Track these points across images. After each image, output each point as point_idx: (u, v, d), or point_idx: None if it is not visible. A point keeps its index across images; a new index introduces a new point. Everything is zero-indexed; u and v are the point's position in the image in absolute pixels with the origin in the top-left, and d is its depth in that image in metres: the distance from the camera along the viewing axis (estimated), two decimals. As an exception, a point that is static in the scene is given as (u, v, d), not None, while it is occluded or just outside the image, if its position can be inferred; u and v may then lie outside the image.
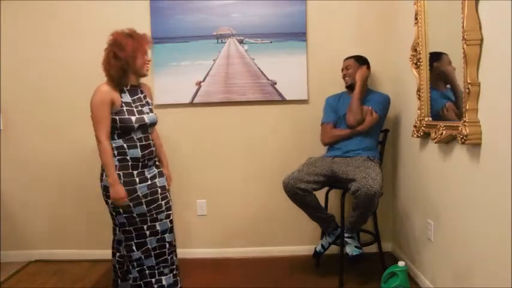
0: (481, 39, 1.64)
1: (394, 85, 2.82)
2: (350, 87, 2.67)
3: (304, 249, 2.94)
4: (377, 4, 2.85)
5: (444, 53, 2.09)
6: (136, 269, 2.06)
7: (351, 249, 2.44)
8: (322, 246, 2.61)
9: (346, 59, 2.71)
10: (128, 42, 1.96)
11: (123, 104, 2.00)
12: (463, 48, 1.67)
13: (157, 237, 2.07)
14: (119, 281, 2.17)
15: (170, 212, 2.15)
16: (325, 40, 2.89)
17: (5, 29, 2.93)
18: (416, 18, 2.27)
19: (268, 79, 2.91)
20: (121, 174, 1.99)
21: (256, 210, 3.02)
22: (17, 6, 2.93)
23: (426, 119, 2.22)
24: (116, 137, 2.01)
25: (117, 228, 2.12)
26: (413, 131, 2.34)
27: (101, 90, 1.98)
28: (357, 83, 2.58)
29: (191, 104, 2.94)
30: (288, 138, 2.96)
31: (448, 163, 2.01)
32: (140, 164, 2.04)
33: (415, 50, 2.29)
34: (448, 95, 2.06)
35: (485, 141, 1.66)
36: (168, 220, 2.12)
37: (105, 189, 2.02)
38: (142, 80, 2.17)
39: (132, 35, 2.00)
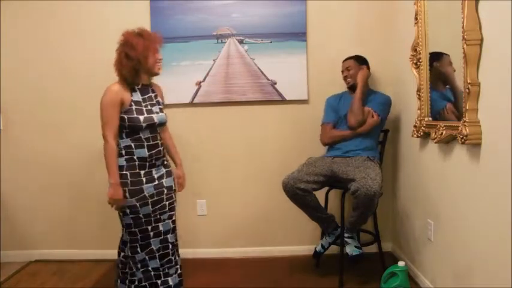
0: (481, 39, 1.64)
1: (394, 85, 2.82)
2: (352, 88, 2.67)
3: (304, 249, 2.94)
4: (377, 4, 2.85)
5: (444, 53, 2.09)
6: (141, 270, 2.07)
7: (351, 249, 2.44)
8: (322, 246, 2.61)
9: (346, 59, 2.71)
10: (139, 41, 1.95)
11: (133, 103, 1.99)
12: (463, 48, 1.67)
13: (160, 238, 2.08)
14: (118, 281, 2.18)
15: (173, 212, 2.16)
16: (325, 40, 2.89)
17: (5, 29, 2.93)
18: (416, 18, 2.27)
19: (268, 79, 2.91)
20: (128, 174, 1.99)
21: (256, 210, 3.02)
22: (17, 6, 2.93)
23: (426, 119, 2.22)
24: (124, 136, 2.00)
25: (123, 230, 2.11)
26: (413, 131, 2.34)
27: (111, 90, 1.97)
28: (359, 84, 2.58)
29: (191, 104, 2.94)
30: (288, 138, 2.96)
31: (448, 163, 2.01)
32: (147, 163, 2.03)
33: (415, 50, 2.29)
34: (447, 96, 2.06)
35: (485, 141, 1.66)
36: (170, 221, 2.13)
37: None
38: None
39: (142, 34, 1.99)
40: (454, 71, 1.90)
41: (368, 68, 2.68)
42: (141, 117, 1.99)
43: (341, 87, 2.78)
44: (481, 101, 1.67)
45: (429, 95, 2.21)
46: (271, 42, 2.89)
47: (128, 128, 1.99)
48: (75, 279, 2.72)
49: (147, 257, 2.06)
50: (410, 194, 2.60)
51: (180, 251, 2.30)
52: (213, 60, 2.91)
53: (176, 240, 2.17)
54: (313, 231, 2.91)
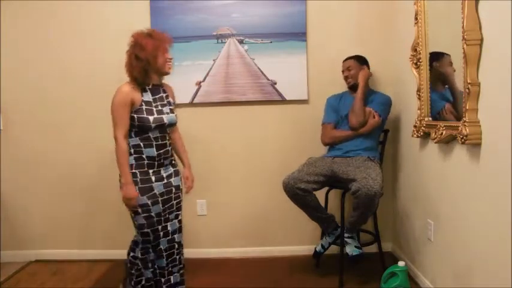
0: (481, 39, 1.64)
1: (394, 85, 2.82)
2: (352, 88, 2.67)
3: (304, 249, 2.94)
4: (377, 4, 2.85)
5: (444, 53, 2.09)
6: (150, 269, 2.08)
7: (351, 249, 2.44)
8: (322, 246, 2.61)
9: (346, 59, 2.71)
10: (148, 42, 1.95)
11: (143, 103, 1.99)
12: (463, 48, 1.67)
13: (168, 238, 2.09)
14: (128, 281, 2.16)
15: (179, 212, 2.18)
16: (325, 40, 2.89)
17: (5, 29, 2.93)
18: (416, 18, 2.27)
19: (268, 79, 2.91)
20: (137, 172, 2.00)
21: (256, 210, 3.02)
22: (17, 6, 2.93)
23: (426, 119, 2.22)
24: (133, 135, 2.01)
25: (136, 230, 2.10)
26: (414, 131, 2.34)
27: (121, 91, 1.97)
28: (360, 85, 2.58)
29: (191, 104, 2.94)
30: (288, 138, 2.96)
31: (448, 163, 2.01)
32: (156, 163, 2.04)
33: (415, 50, 2.29)
34: (446, 96, 2.06)
35: (485, 141, 1.66)
36: (176, 220, 2.15)
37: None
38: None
39: (151, 34, 2.00)
40: (454, 71, 1.90)
41: (368, 68, 2.68)
42: (151, 118, 1.99)
43: (341, 87, 2.78)
44: (481, 101, 1.67)
45: (429, 95, 2.21)
46: (271, 42, 2.89)
47: (137, 128, 1.99)
48: (75, 279, 2.71)
49: (156, 256, 2.07)
50: (410, 194, 2.60)
51: (182, 250, 2.31)
52: (213, 60, 2.91)
53: (182, 240, 2.19)
54: (313, 231, 2.91)
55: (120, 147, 1.96)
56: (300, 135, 2.94)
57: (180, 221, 2.17)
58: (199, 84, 2.93)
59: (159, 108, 2.05)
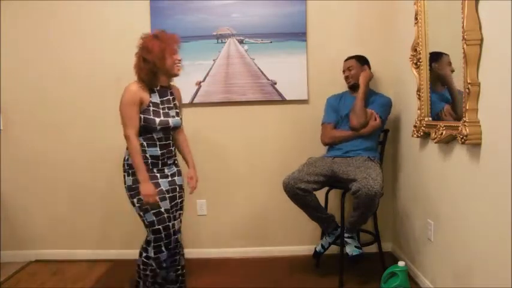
0: (481, 39, 1.64)
1: (394, 85, 2.82)
2: (352, 88, 2.67)
3: (304, 249, 2.94)
4: (377, 4, 2.85)
5: (444, 53, 2.09)
6: (165, 269, 2.08)
7: (351, 249, 2.44)
8: (322, 246, 2.61)
9: (347, 59, 2.71)
10: (155, 44, 1.95)
11: (151, 104, 2.00)
12: (463, 48, 1.67)
13: (175, 236, 2.09)
14: (141, 283, 2.12)
15: (182, 211, 2.19)
16: (325, 40, 2.89)
17: (5, 29, 2.93)
18: (416, 18, 2.26)
19: (268, 79, 2.91)
20: None
21: (256, 210, 3.02)
22: (17, 6, 2.92)
23: (426, 119, 2.22)
24: None
25: (147, 229, 2.08)
26: (414, 131, 2.34)
27: (130, 90, 1.97)
28: (361, 86, 2.58)
29: (191, 104, 2.94)
30: (288, 138, 2.96)
31: (448, 163, 2.01)
32: (160, 162, 2.04)
33: (415, 50, 2.29)
34: (445, 97, 2.06)
35: (485, 141, 1.66)
36: (179, 219, 2.16)
37: (130, 189, 2.02)
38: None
39: (159, 36, 1.99)
40: (453, 71, 1.91)
41: (369, 68, 2.68)
42: (157, 120, 1.99)
43: (341, 87, 2.78)
44: (481, 101, 1.67)
45: (429, 95, 2.21)
46: (271, 42, 2.89)
47: (142, 128, 1.99)
48: (75, 279, 2.71)
49: (169, 255, 2.08)
50: (410, 194, 2.60)
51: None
52: (213, 60, 2.91)
53: (181, 240, 2.20)
54: (313, 231, 2.91)
55: (134, 146, 1.95)
56: (300, 135, 2.94)
57: (181, 221, 2.19)
58: (199, 84, 2.93)
59: (166, 111, 2.05)
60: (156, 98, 2.02)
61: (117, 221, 2.99)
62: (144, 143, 2.00)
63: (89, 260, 3.00)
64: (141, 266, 2.09)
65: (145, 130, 2.00)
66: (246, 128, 2.98)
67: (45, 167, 3.02)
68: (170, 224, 2.04)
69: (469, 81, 1.67)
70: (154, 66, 1.96)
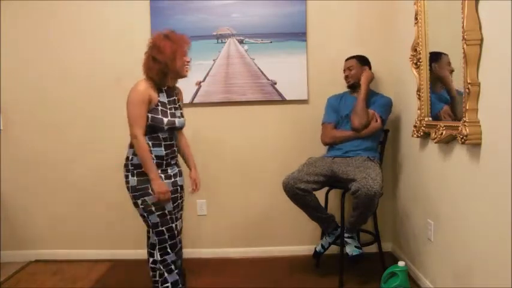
0: (481, 39, 1.64)
1: (394, 85, 2.82)
2: (352, 87, 2.67)
3: (304, 249, 2.94)
4: (377, 4, 2.85)
5: (444, 53, 2.09)
6: (175, 272, 2.03)
7: (351, 249, 2.44)
8: (322, 246, 2.61)
9: (348, 59, 2.71)
10: (166, 44, 1.93)
11: (159, 104, 1.99)
12: (463, 48, 1.67)
13: (178, 237, 2.09)
14: None
15: (182, 211, 2.20)
16: (325, 40, 2.89)
17: (5, 29, 2.93)
18: (416, 18, 2.27)
19: (268, 79, 2.91)
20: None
21: (256, 210, 3.02)
22: (17, 6, 2.93)
23: (426, 119, 2.22)
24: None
25: (151, 231, 2.06)
26: (414, 131, 2.34)
27: (138, 88, 1.94)
28: (362, 86, 2.58)
29: (191, 104, 2.94)
30: (288, 138, 2.96)
31: (448, 163, 2.01)
32: (164, 162, 2.04)
33: (415, 50, 2.29)
34: (444, 97, 2.06)
35: (485, 141, 1.66)
36: (180, 220, 2.16)
37: (134, 190, 1.97)
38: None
39: (170, 36, 1.97)
40: (453, 71, 1.91)
41: (370, 68, 2.68)
42: (165, 120, 1.98)
43: (341, 87, 2.78)
44: (481, 101, 1.67)
45: (429, 95, 2.21)
46: (271, 42, 2.89)
47: (149, 127, 1.97)
48: (75, 279, 2.71)
49: (177, 257, 2.05)
50: (410, 194, 2.60)
51: (180, 250, 2.31)
52: (213, 60, 2.91)
53: (181, 240, 2.19)
54: (313, 231, 2.91)
55: (143, 145, 1.92)
56: (300, 135, 2.94)
57: (181, 221, 2.19)
58: (199, 84, 2.93)
59: (173, 111, 2.05)
60: (164, 98, 2.02)
61: (117, 221, 2.99)
62: (150, 143, 1.98)
63: (89, 260, 3.00)
64: (151, 273, 2.07)
65: (152, 130, 1.98)
66: (246, 128, 2.98)
67: (45, 167, 3.02)
68: (173, 225, 2.03)
69: (469, 81, 1.67)
70: (166, 67, 1.94)
